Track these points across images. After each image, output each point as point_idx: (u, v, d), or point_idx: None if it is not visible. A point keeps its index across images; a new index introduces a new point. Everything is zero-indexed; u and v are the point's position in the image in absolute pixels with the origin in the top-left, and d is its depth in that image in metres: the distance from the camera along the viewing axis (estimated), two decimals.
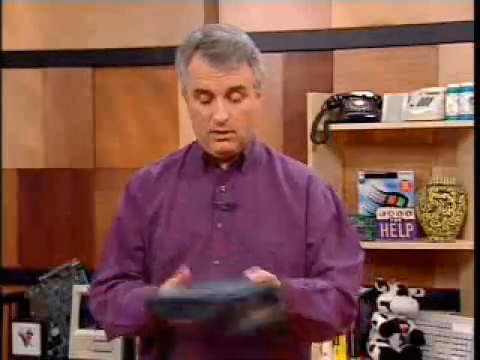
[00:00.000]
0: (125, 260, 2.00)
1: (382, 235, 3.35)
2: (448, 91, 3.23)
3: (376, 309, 3.30)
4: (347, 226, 2.03)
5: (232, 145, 1.93)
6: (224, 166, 1.99)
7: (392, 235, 3.35)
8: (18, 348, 3.72)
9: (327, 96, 3.41)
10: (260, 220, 1.94)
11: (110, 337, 2.03)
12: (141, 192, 2.02)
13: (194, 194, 1.98)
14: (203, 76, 1.89)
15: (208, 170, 1.99)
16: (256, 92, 1.96)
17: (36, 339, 3.70)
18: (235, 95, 1.90)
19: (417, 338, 3.25)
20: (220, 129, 1.91)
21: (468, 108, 3.16)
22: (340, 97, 3.38)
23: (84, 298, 3.59)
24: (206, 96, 1.90)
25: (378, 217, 3.36)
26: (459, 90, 3.20)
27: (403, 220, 3.34)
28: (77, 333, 3.63)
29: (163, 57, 3.64)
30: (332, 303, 1.91)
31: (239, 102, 1.91)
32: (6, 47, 3.84)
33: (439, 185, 3.29)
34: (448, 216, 3.27)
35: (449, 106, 3.22)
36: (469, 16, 3.22)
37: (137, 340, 3.45)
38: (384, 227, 3.35)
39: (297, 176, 2.01)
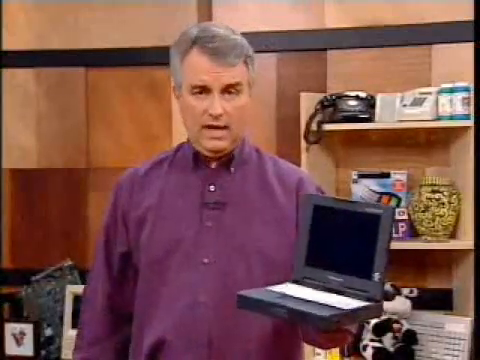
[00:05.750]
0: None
1: None
2: (441, 91, 3.23)
3: None
4: None
5: (224, 143, 1.91)
6: (213, 165, 1.97)
7: None
8: (11, 348, 3.70)
9: (320, 96, 3.40)
10: (250, 219, 1.93)
11: None
12: (126, 195, 2.01)
13: (183, 193, 1.97)
14: (201, 71, 1.88)
15: (197, 169, 1.98)
16: (249, 92, 1.95)
17: (29, 339, 3.69)
18: (231, 91, 1.89)
19: (410, 338, 3.26)
20: (214, 123, 1.89)
21: (461, 108, 3.17)
22: (333, 97, 3.38)
23: (77, 298, 3.58)
24: (202, 91, 1.89)
25: None
26: (452, 90, 3.20)
27: (396, 220, 3.34)
28: (70, 333, 3.61)
29: (156, 57, 3.63)
30: None
31: (234, 99, 1.90)
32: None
33: (432, 185, 3.30)
34: (441, 216, 3.28)
35: (442, 106, 3.22)
36: (463, 16, 3.24)
37: None
38: None
39: (288, 177, 2.01)
